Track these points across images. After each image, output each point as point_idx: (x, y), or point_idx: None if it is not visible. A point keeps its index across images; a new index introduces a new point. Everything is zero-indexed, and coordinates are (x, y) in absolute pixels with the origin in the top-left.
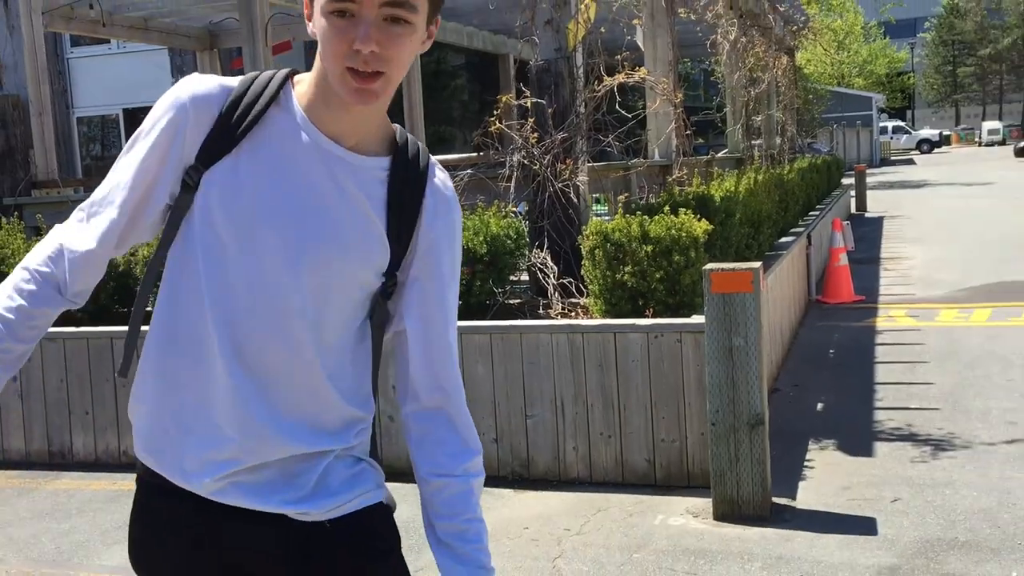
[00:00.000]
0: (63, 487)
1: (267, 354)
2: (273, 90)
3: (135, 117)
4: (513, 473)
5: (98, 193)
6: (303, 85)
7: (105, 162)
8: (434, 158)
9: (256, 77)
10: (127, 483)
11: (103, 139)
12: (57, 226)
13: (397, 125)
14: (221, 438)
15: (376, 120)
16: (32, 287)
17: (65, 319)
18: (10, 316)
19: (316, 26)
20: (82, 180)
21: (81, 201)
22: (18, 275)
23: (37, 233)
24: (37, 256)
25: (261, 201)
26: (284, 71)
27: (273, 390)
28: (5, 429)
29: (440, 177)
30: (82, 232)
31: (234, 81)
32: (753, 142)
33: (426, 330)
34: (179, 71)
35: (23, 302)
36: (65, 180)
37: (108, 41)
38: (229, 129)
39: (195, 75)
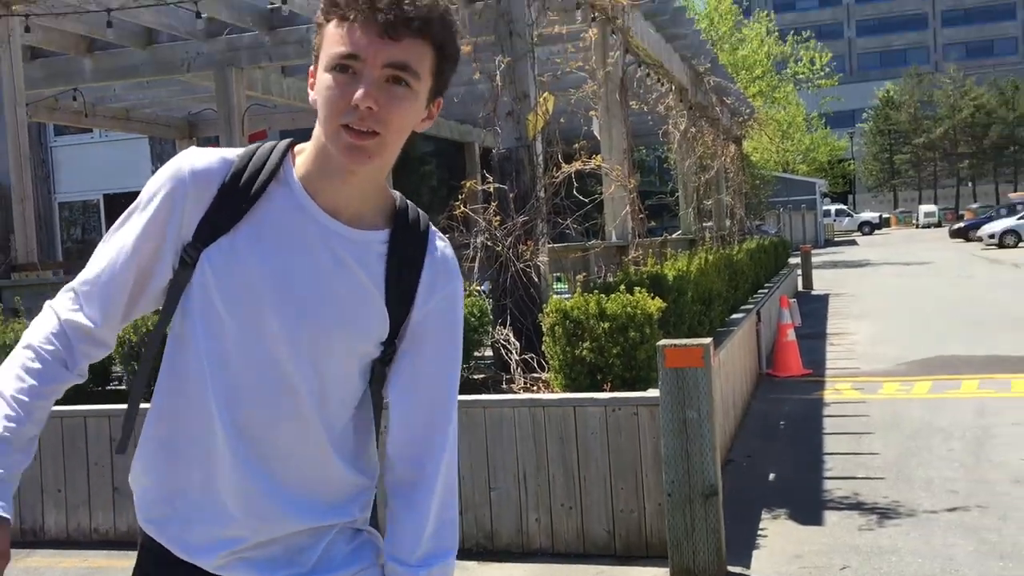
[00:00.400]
0: (34, 564)
1: (270, 430)
2: (273, 165)
3: (115, 202)
4: (477, 545)
5: (93, 268)
6: (303, 156)
7: (85, 245)
8: (435, 229)
9: (257, 149)
10: (99, 560)
11: (84, 223)
12: (50, 303)
13: (397, 193)
14: (226, 516)
15: (374, 189)
16: (39, 366)
17: None
18: (24, 398)
19: (318, 86)
20: (62, 263)
21: (61, 283)
22: (23, 355)
23: (15, 314)
24: (39, 334)
25: (260, 278)
26: (285, 142)
27: (277, 465)
28: None
29: (440, 248)
30: (83, 308)
31: (235, 153)
32: (704, 224)
33: (408, 405)
34: (158, 158)
35: (34, 382)
36: (45, 263)
37: (91, 130)
38: (228, 207)
39: (195, 148)
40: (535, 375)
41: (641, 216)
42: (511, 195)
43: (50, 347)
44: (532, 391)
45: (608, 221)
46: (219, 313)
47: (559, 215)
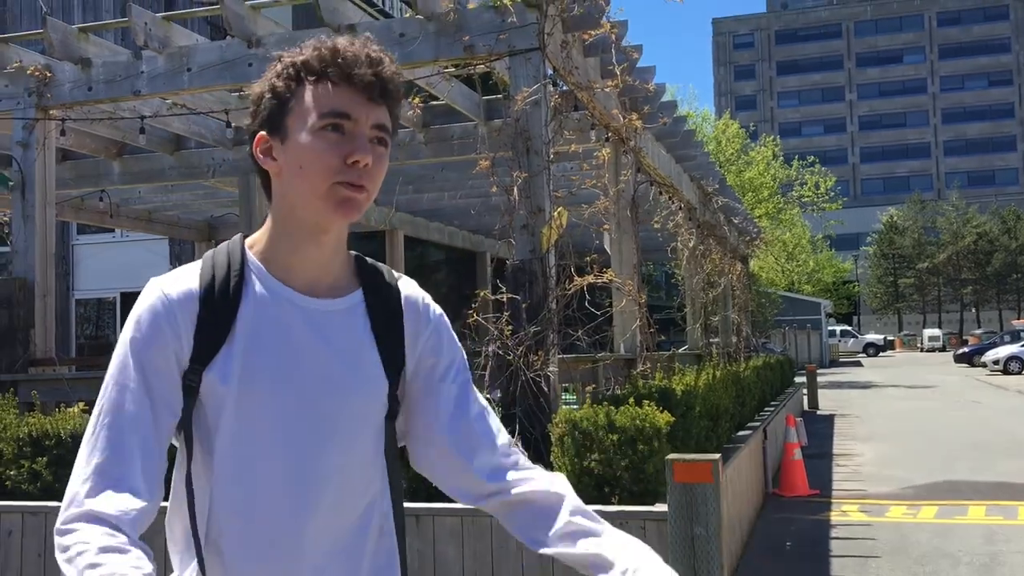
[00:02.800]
0: None
1: (300, 527)
2: (237, 267)
3: (130, 300)
4: None
5: (99, 443)
6: (259, 245)
7: (98, 342)
8: (396, 272)
9: (213, 258)
10: None
11: (98, 320)
12: (63, 522)
13: (352, 252)
14: None
15: (341, 250)
16: (115, 540)
17: (50, 495)
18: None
19: (300, 149)
20: (76, 359)
21: (73, 380)
22: (90, 535)
23: (30, 408)
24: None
25: (258, 377)
26: (236, 240)
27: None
28: None
29: (409, 291)
30: (111, 483)
31: (193, 268)
32: (711, 340)
33: (471, 428)
34: (177, 259)
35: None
36: (61, 359)
37: (112, 230)
38: (215, 320)
39: (158, 279)
40: None
41: (651, 330)
42: (523, 305)
43: (109, 513)
44: None
45: (617, 334)
46: (230, 420)
47: (570, 326)
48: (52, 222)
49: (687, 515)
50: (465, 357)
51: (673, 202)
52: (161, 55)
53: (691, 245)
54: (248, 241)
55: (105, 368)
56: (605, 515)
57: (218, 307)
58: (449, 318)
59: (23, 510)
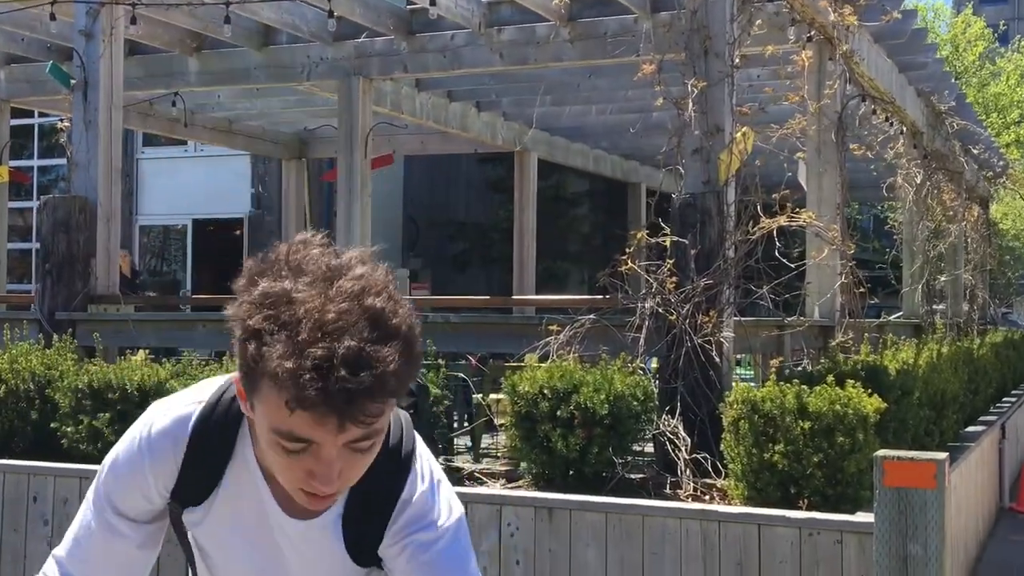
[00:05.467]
0: None
1: None
2: (230, 440)
3: (205, 230)
4: None
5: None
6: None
7: (162, 279)
8: (415, 478)
9: (216, 405)
10: None
11: (163, 251)
12: None
13: None
14: None
15: None
16: None
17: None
18: None
19: (257, 427)
20: (143, 298)
21: (140, 323)
22: None
23: (91, 354)
24: None
25: (228, 558)
26: (239, 407)
27: None
28: None
29: (407, 505)
30: None
31: (189, 414)
32: (935, 307)
33: None
34: (261, 181)
35: None
36: (127, 297)
37: (184, 142)
38: (196, 485)
39: (147, 425)
40: (708, 480)
41: (861, 290)
42: (692, 252)
43: None
44: (703, 500)
45: (811, 293)
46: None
47: (750, 281)
48: (119, 129)
49: (899, 529)
50: None
51: (892, 124)
52: None
53: (916, 181)
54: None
55: (177, 309)
56: (790, 523)
57: (203, 475)
58: (591, 265)
59: (81, 474)
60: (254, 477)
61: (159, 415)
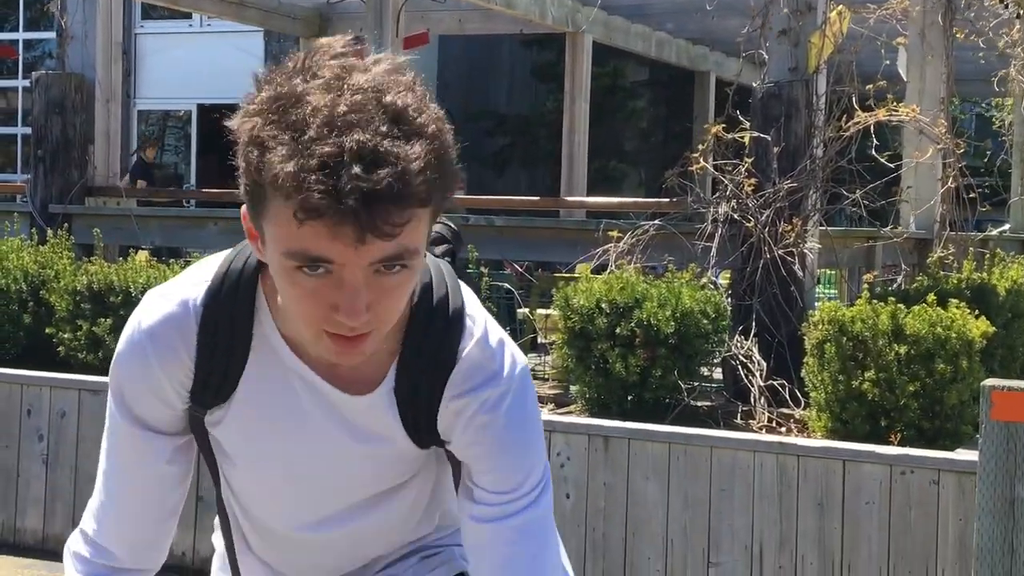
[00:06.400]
0: None
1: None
2: (246, 317)
3: (209, 118)
4: None
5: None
6: (275, 292)
7: (164, 171)
8: (469, 327)
9: (223, 281)
10: None
11: (164, 140)
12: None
13: (418, 289)
14: None
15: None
16: None
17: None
18: None
19: (275, 274)
20: (146, 190)
21: (142, 218)
22: None
23: (89, 253)
24: None
25: (267, 456)
26: (251, 272)
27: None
28: (20, 505)
29: (467, 362)
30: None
31: (195, 297)
32: None
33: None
34: (275, 59)
35: None
36: (128, 189)
37: (189, 15)
38: (215, 382)
39: (147, 314)
40: (786, 410)
41: (972, 196)
42: (775, 150)
43: None
44: (780, 432)
45: (909, 201)
46: (243, 478)
47: (841, 185)
48: None
49: (1007, 468)
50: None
51: (1008, 6)
52: None
53: None
54: (270, 278)
55: (181, 204)
56: (879, 459)
57: (218, 371)
58: (651, 164)
59: (80, 386)
60: (280, 356)
61: (158, 302)
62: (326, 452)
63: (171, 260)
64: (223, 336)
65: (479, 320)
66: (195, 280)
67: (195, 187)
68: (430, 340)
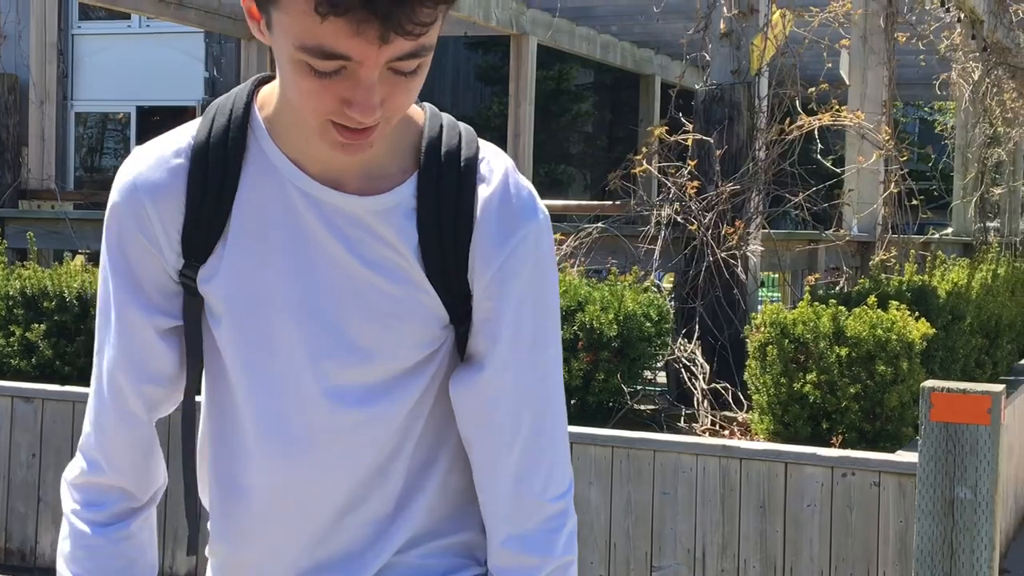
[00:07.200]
0: None
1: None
2: (238, 128)
3: (150, 119)
4: None
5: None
6: (269, 107)
7: (102, 175)
8: (488, 148)
9: (213, 120)
10: None
11: (102, 143)
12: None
13: (426, 108)
14: None
15: (384, 134)
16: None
17: (49, 375)
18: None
19: (277, 55)
20: (82, 194)
21: (78, 222)
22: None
23: (22, 257)
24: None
25: (266, 292)
26: (249, 86)
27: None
28: None
29: (495, 184)
30: (111, 405)
31: (185, 135)
32: (988, 223)
33: (488, 442)
34: (216, 63)
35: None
36: (64, 192)
37: (127, 16)
38: (207, 211)
39: (138, 153)
40: (729, 413)
41: (914, 202)
42: (717, 152)
43: (96, 480)
44: (723, 435)
45: (851, 204)
46: (240, 336)
47: (783, 188)
48: None
49: (947, 470)
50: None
51: (949, 10)
52: None
53: (973, 78)
54: (262, 94)
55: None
56: (821, 462)
57: (211, 195)
58: (595, 168)
59: (13, 393)
60: (279, 170)
61: (147, 147)
62: (334, 279)
63: None
64: (216, 155)
65: (493, 154)
66: (185, 125)
67: None
68: (450, 150)
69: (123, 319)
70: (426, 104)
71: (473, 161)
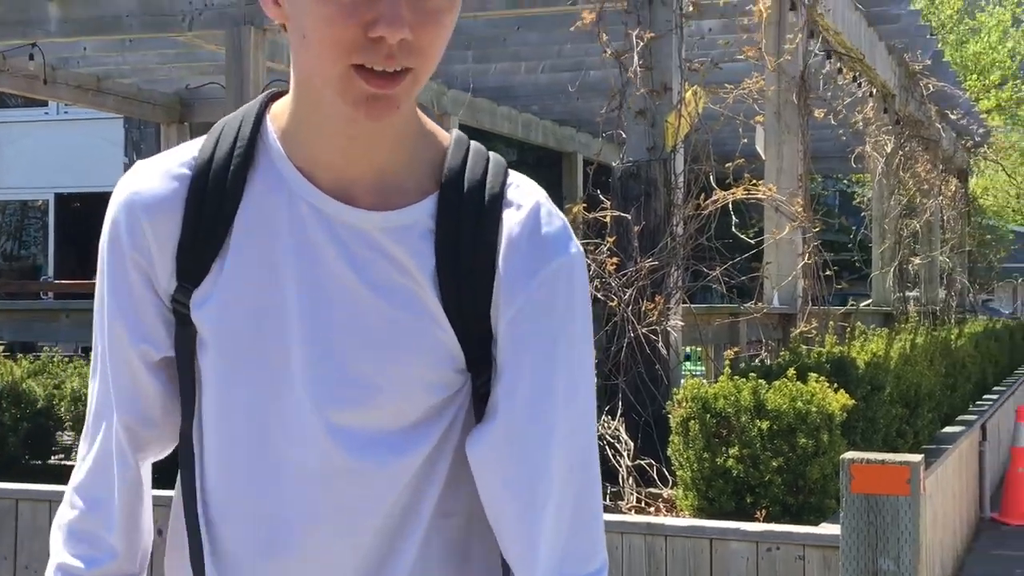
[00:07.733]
0: None
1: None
2: (246, 139)
3: (68, 206)
4: None
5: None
6: (283, 116)
7: (20, 263)
8: (519, 176)
9: (221, 131)
10: None
11: (21, 232)
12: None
13: (455, 132)
14: None
15: (406, 134)
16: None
17: None
18: None
19: (293, 5)
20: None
21: None
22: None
23: None
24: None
25: (263, 317)
26: (261, 99)
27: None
28: None
29: (523, 207)
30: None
31: (188, 150)
32: (907, 293)
33: (496, 473)
34: (135, 148)
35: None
36: None
37: (45, 103)
38: (204, 229)
39: (140, 166)
40: (654, 490)
41: (827, 273)
42: (635, 229)
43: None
44: (648, 512)
45: (771, 277)
46: (231, 374)
47: (702, 262)
48: None
49: (869, 541)
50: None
51: (861, 85)
52: None
53: (886, 150)
54: (276, 107)
55: (36, 296)
56: (746, 537)
57: (210, 210)
58: None
59: None
60: (286, 181)
61: (151, 160)
62: (339, 304)
63: (22, 355)
64: (219, 170)
65: (526, 183)
66: (191, 141)
67: (52, 279)
68: (475, 173)
69: (111, 342)
70: (455, 129)
71: (501, 185)
